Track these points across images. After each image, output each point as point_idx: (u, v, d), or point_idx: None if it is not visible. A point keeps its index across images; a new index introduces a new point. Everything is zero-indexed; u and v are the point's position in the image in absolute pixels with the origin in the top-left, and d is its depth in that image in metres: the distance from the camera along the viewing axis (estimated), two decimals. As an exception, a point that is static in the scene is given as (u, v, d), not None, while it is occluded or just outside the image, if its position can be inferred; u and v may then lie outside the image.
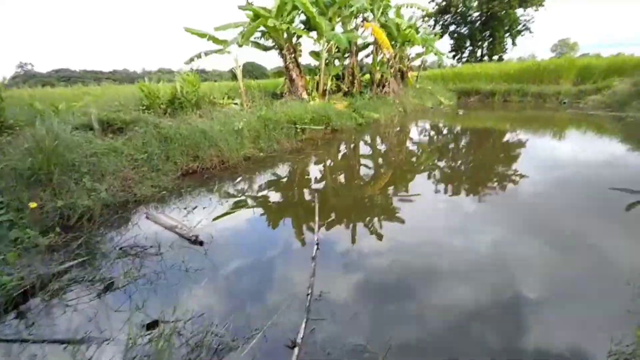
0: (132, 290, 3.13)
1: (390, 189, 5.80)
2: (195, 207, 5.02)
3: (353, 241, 4.05)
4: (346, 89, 13.92)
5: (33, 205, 4.20)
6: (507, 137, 10.18)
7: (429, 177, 6.33)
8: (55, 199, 4.48)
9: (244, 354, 2.01)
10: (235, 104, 11.15)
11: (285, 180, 6.49)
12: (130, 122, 7.16)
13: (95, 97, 9.86)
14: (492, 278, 3.20)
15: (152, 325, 2.65)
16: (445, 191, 5.57)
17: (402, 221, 4.50)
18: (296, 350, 2.32)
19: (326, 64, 12.61)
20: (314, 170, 7.13)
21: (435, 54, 16.15)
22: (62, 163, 4.77)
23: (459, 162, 7.58)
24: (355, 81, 14.16)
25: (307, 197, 5.60)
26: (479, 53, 33.06)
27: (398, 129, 11.92)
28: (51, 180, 4.63)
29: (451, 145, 9.34)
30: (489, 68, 20.12)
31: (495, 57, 31.73)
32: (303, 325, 2.56)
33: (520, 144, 9.00)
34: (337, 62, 14.02)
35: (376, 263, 3.56)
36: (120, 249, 3.80)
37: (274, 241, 4.14)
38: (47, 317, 2.84)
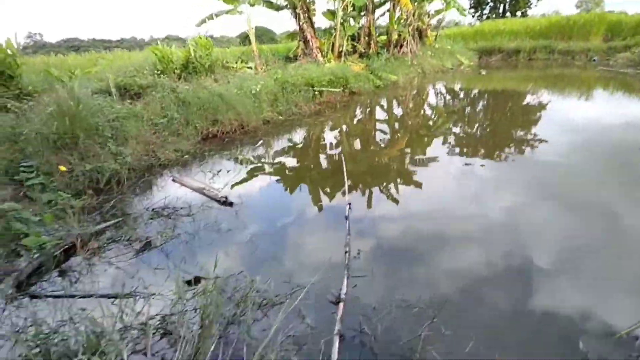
0: (169, 249, 3.15)
1: (412, 152, 5.64)
2: (220, 171, 4.98)
3: (381, 202, 3.98)
4: (362, 50, 13.33)
5: (62, 168, 4.21)
6: (531, 98, 9.69)
7: (448, 141, 6.11)
8: (82, 163, 4.48)
9: (290, 309, 1.99)
10: (249, 67, 10.83)
11: (307, 143, 6.37)
12: (146, 87, 7.03)
13: (108, 63, 9.69)
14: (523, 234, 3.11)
15: (194, 281, 2.67)
16: (466, 154, 5.37)
17: (424, 183, 4.38)
18: (341, 305, 2.30)
19: (341, 24, 12.00)
20: (335, 133, 6.97)
21: (457, 10, 15.17)
22: (86, 127, 4.73)
23: (480, 124, 7.29)
24: (372, 42, 13.52)
25: (332, 159, 5.49)
26: (500, 9, 31.06)
27: (417, 91, 11.48)
28: (77, 144, 4.61)
29: (471, 108, 8.97)
30: (513, 24, 18.92)
31: (518, 14, 29.79)
32: (345, 281, 2.54)
33: (546, 105, 8.56)
34: (352, 22, 13.34)
35: (407, 222, 3.50)
36: (152, 210, 3.82)
37: (302, 202, 4.09)
38: (89, 274, 2.90)
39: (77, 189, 4.24)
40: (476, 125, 7.19)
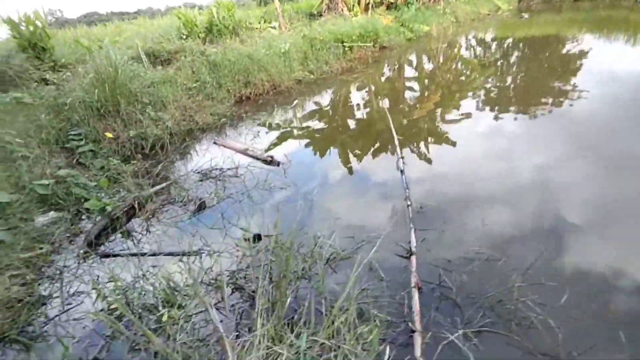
0: (223, 209, 3.15)
1: (446, 108, 5.29)
2: (259, 132, 4.89)
3: (427, 156, 3.78)
4: (390, 1, 12.44)
5: (109, 135, 4.25)
6: (574, 45, 8.75)
7: (482, 96, 5.67)
8: (126, 129, 4.50)
9: (361, 263, 1.92)
10: (273, 27, 10.38)
11: (342, 100, 6.12)
12: (175, 52, 6.90)
13: (133, 31, 9.55)
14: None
15: (256, 238, 2.65)
16: (501, 110, 4.96)
17: (468, 138, 4.10)
18: (413, 258, 2.22)
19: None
20: (369, 89, 6.65)
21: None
22: (125, 94, 4.70)
23: (520, 75, 6.70)
24: (400, -9, 12.53)
25: (369, 115, 5.26)
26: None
27: (450, 41, 10.68)
28: (118, 111, 4.62)
29: (510, 58, 8.25)
30: (557, -39, 16.90)
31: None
32: (412, 234, 2.43)
33: (589, 53, 7.70)
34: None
35: (458, 175, 3.31)
36: (200, 172, 3.81)
37: (349, 159, 3.95)
38: (151, 235, 2.95)
39: (125, 155, 4.30)
40: (514, 77, 6.62)
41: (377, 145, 4.16)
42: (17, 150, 3.72)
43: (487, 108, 5.06)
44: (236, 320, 2.05)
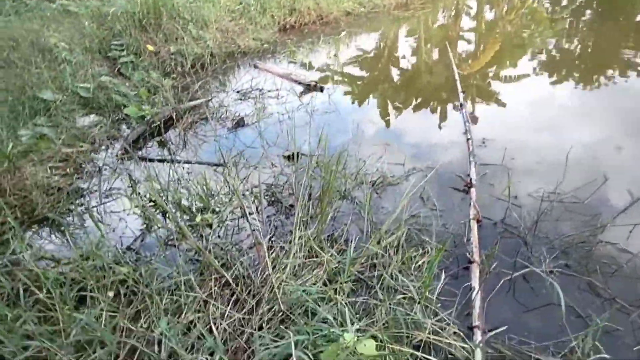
0: (262, 128, 2.97)
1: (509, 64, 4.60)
2: (303, 60, 4.55)
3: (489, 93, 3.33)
4: None
5: (150, 47, 4.09)
6: None
7: (548, 56, 4.83)
8: (167, 44, 4.32)
9: (412, 190, 1.67)
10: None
11: (394, 36, 5.55)
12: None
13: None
14: None
15: (295, 156, 2.46)
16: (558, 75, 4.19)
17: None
18: (473, 190, 1.94)
19: None
20: (424, 29, 5.97)
21: None
22: (168, 7, 4.46)
23: (591, 38, 5.67)
24: None
25: (428, 49, 4.73)
26: None
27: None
28: (160, 25, 4.41)
29: (584, 16, 7.02)
30: None
31: None
32: (473, 167, 2.14)
33: None
34: None
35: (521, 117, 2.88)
36: (239, 92, 3.62)
37: (400, 92, 3.59)
38: (188, 145, 2.85)
39: (165, 70, 4.15)
40: (582, 39, 5.62)
41: (429, 79, 3.73)
42: (62, 54, 3.67)
43: (546, 71, 4.29)
44: (271, 231, 1.92)
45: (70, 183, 2.35)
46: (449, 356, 1.22)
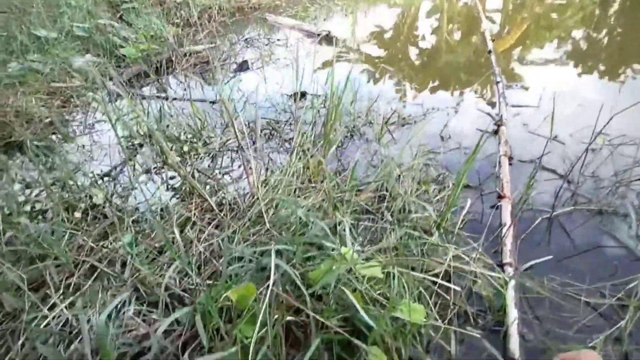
0: (267, 73, 2.71)
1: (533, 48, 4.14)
2: (316, 17, 4.24)
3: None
4: None
5: (154, -6, 3.85)
6: None
7: (574, 42, 4.33)
8: (172, -7, 4.07)
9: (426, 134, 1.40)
10: None
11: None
12: None
13: None
14: None
15: (299, 95, 2.21)
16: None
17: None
18: (503, 128, 1.66)
19: None
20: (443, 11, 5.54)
21: None
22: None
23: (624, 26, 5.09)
24: None
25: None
26: None
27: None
28: (167, -27, 4.15)
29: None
30: None
31: None
32: (503, 107, 1.85)
33: None
34: None
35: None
36: (246, 40, 3.36)
37: (422, 42, 3.26)
38: (186, 86, 2.63)
39: (170, 21, 3.92)
40: (613, 27, 5.02)
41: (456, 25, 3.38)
42: (62, -3, 3.47)
43: (573, 59, 3.76)
44: (267, 163, 1.68)
45: (54, 114, 2.16)
46: (474, 291, 0.97)
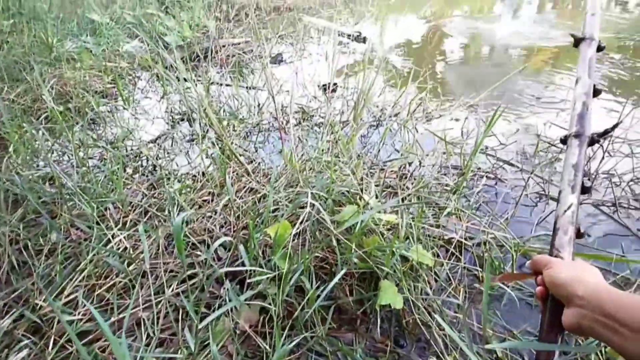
0: (300, 67, 2.87)
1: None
2: (348, 19, 4.40)
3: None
4: None
5: (198, -11, 4.10)
6: None
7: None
8: (214, -9, 4.33)
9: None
10: None
11: (450, 8, 5.26)
12: None
13: None
14: None
15: (329, 86, 2.35)
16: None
17: None
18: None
19: None
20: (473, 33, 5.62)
21: None
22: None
23: None
24: None
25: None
26: None
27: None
28: (211, -29, 4.42)
29: None
30: None
31: None
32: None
33: None
34: None
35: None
36: (280, 36, 3.54)
37: (449, 50, 3.37)
38: (223, 72, 2.81)
39: (210, 15, 4.16)
40: None
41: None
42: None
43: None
44: (297, 141, 1.82)
45: (106, 87, 2.37)
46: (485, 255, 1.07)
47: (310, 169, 1.29)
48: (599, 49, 1.08)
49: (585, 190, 0.88)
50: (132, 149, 1.71)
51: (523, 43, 3.58)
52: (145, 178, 1.49)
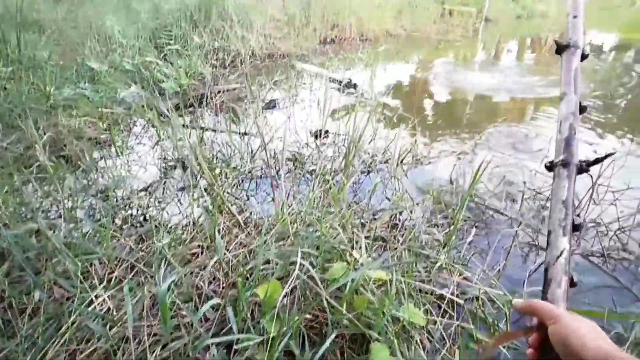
0: (292, 112, 2.96)
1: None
2: (339, 65, 4.63)
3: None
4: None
5: (196, 38, 4.31)
6: None
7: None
8: (212, 40, 4.55)
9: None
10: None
11: (428, 59, 5.57)
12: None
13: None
14: None
15: (321, 133, 2.42)
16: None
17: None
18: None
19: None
20: (457, 61, 5.97)
21: None
22: (219, 8, 4.75)
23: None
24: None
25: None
26: None
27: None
28: (209, 23, 4.68)
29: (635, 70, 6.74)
30: None
31: None
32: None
33: None
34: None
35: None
36: (275, 82, 3.68)
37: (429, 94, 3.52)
38: (218, 118, 2.89)
39: (207, 62, 4.34)
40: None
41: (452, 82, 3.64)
42: (116, 36, 3.93)
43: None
44: (289, 191, 1.84)
45: (100, 134, 2.40)
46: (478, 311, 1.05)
47: (302, 221, 1.29)
48: (583, 57, 1.05)
49: (576, 227, 0.87)
50: (122, 198, 1.70)
51: (503, 93, 3.78)
52: (134, 230, 1.47)
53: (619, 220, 1.47)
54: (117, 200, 1.68)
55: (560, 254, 0.73)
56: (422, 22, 7.16)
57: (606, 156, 0.94)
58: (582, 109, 0.98)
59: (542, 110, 3.24)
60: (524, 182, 1.83)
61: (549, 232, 0.83)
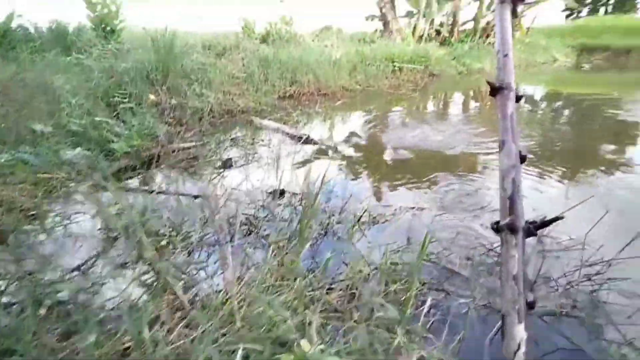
0: (249, 171, 2.93)
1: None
2: (297, 120, 4.76)
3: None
4: (446, 35, 12.51)
5: (152, 96, 4.29)
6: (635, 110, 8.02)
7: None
8: (169, 99, 4.54)
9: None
10: (326, 46, 10.67)
11: (383, 109, 5.92)
12: (230, 48, 7.15)
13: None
14: None
15: (278, 193, 2.38)
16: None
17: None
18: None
19: (425, 7, 11.35)
20: (410, 110, 6.42)
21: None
22: (176, 68, 4.81)
23: (566, 135, 6.18)
24: (455, 29, 12.63)
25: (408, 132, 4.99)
26: (601, 11, 27.44)
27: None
28: (166, 81, 4.69)
29: (559, 112, 7.63)
30: (622, 21, 16.46)
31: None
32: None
33: None
34: (436, 6, 12.57)
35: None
36: (232, 139, 3.68)
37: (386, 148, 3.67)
38: (171, 180, 2.77)
39: (163, 121, 4.28)
40: (560, 137, 5.67)
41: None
42: (65, 96, 3.82)
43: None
44: (244, 260, 1.73)
45: (36, 205, 2.20)
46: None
47: (249, 304, 1.20)
48: (518, 98, 1.00)
49: (530, 305, 0.82)
50: (50, 281, 1.51)
51: (455, 145, 4.03)
52: (61, 322, 1.29)
53: (565, 275, 1.51)
54: (42, 288, 1.48)
55: (518, 348, 0.69)
56: (375, 78, 7.69)
57: (555, 219, 0.94)
58: (523, 159, 0.97)
59: (491, 160, 3.48)
60: (477, 238, 1.87)
61: (503, 317, 0.78)
